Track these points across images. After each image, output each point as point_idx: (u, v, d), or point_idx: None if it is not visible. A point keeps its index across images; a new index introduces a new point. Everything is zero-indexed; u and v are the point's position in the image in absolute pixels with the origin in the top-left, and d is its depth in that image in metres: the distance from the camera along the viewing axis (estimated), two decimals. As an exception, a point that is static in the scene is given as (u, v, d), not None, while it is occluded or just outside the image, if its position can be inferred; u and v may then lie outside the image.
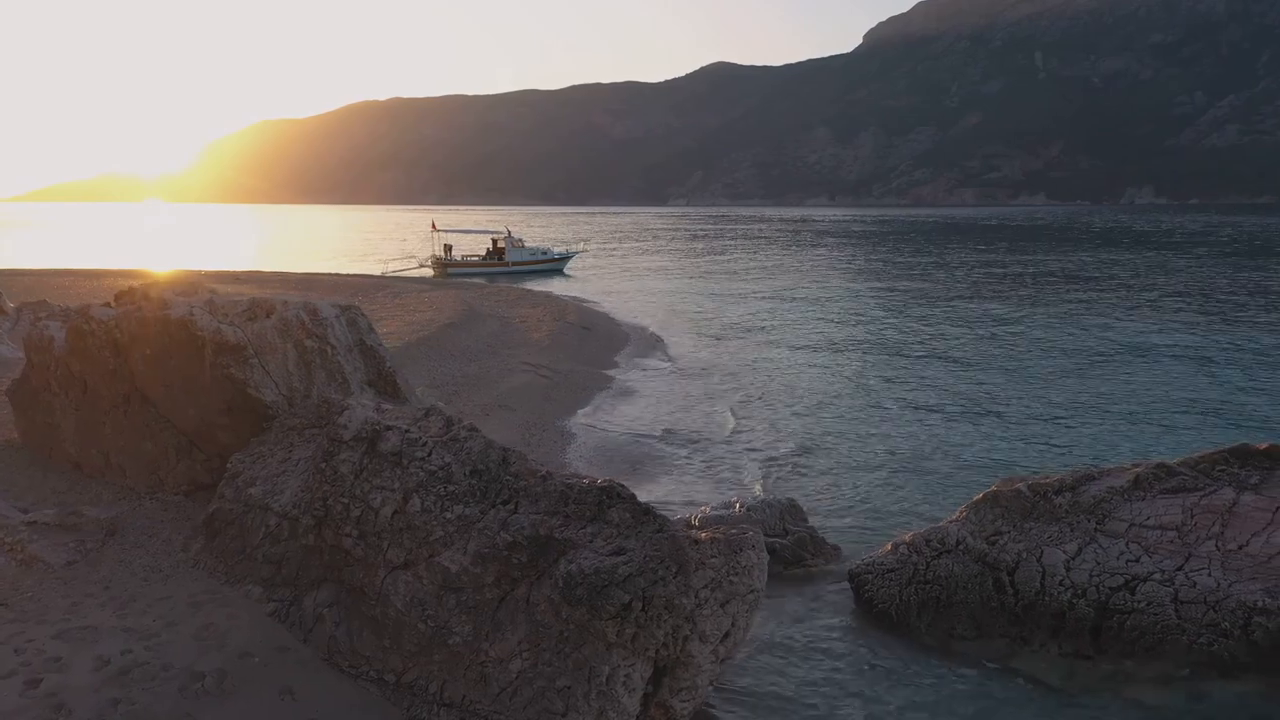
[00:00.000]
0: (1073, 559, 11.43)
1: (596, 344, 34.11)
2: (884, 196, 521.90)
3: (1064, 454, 19.55)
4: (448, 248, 72.43)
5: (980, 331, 37.89)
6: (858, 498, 16.79)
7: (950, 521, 12.59)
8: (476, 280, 62.12)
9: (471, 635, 8.91)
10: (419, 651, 9.14)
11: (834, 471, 18.39)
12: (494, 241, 73.99)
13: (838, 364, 30.69)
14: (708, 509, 14.50)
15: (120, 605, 10.27)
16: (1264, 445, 11.93)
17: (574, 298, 49.94)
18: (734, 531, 8.74)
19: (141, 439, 13.81)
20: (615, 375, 28.43)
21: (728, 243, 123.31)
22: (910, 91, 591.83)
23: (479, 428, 19.86)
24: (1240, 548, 10.96)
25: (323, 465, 10.06)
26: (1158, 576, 10.87)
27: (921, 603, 11.79)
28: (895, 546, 12.48)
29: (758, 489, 16.87)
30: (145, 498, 13.60)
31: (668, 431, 21.54)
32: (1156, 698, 10.14)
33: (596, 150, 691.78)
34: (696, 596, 8.34)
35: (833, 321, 41.55)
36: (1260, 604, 10.18)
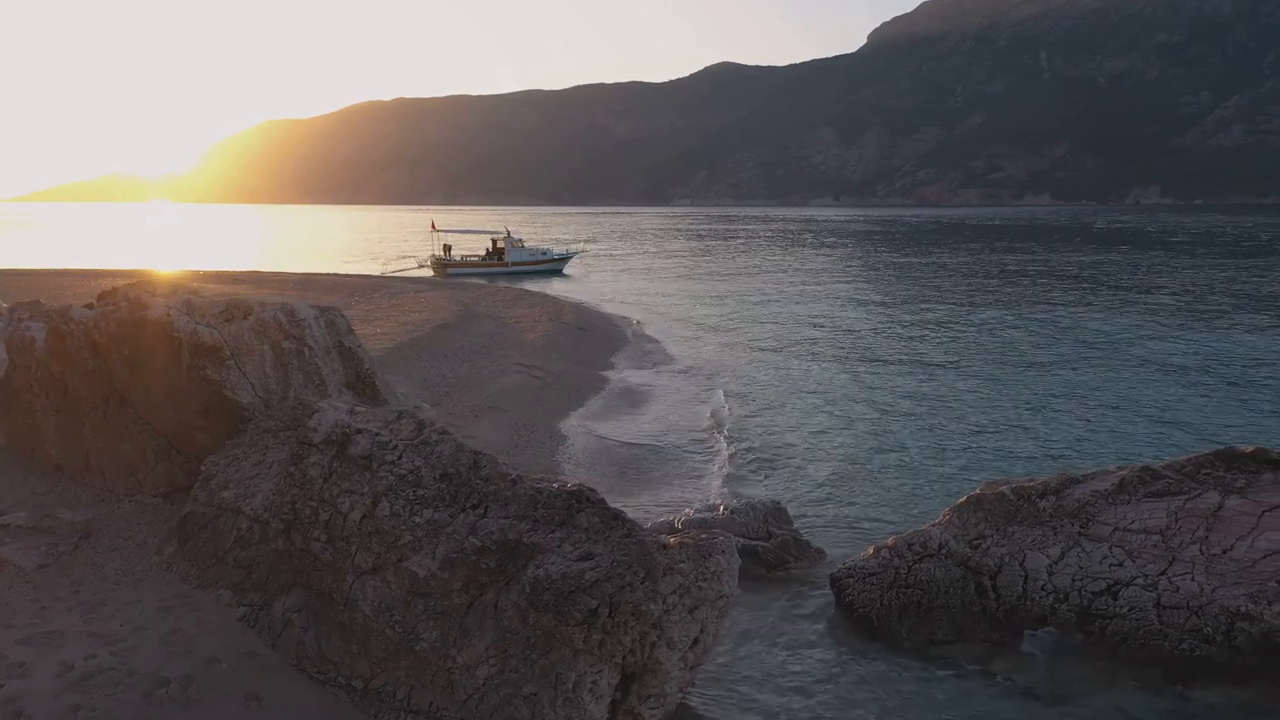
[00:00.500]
0: (1055, 563, 11.29)
1: (592, 345, 33.99)
2: (888, 197, 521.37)
3: (1053, 456, 19.40)
4: (447, 248, 72.39)
5: (971, 333, 37.72)
6: (845, 500, 16.65)
7: (933, 525, 12.45)
8: (477, 281, 62.02)
9: (439, 641, 8.79)
10: (387, 657, 9.03)
11: (822, 474, 18.24)
12: (494, 242, 73.95)
13: (831, 367, 30.54)
14: (691, 512, 14.39)
15: (89, 610, 10.17)
16: (1250, 448, 11.77)
17: (572, 298, 49.83)
18: (703, 536, 8.61)
19: (120, 441, 13.72)
20: (610, 376, 28.30)
21: (729, 243, 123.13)
22: (914, 91, 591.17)
23: (469, 430, 19.91)
24: (1224, 552, 10.80)
25: (292, 469, 9.95)
26: (1140, 581, 10.72)
27: (902, 607, 11.64)
28: (877, 550, 12.35)
29: (743, 491, 16.73)
30: (124, 500, 13.50)
31: (658, 433, 21.42)
32: (1137, 703, 10.00)
33: (600, 150, 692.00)
34: (664, 602, 8.21)
35: (830, 325, 41.38)
36: (1243, 609, 10.03)
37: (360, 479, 9.58)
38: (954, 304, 48.80)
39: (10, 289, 37.59)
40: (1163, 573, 10.73)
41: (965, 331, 38.32)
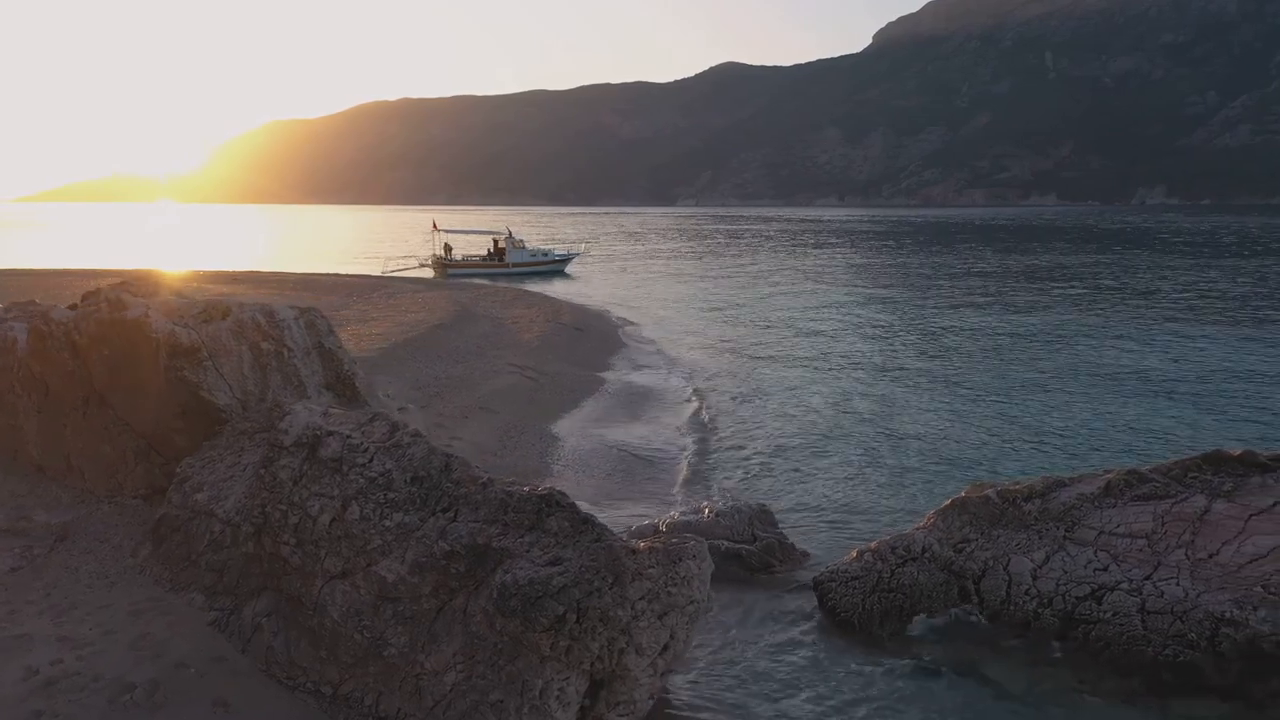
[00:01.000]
0: (1040, 567, 11.14)
1: (589, 345, 33.84)
2: (894, 197, 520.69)
3: (1040, 458, 19.24)
4: (448, 248, 72.32)
5: (964, 337, 37.49)
6: (833, 503, 16.50)
7: (917, 528, 12.31)
8: (478, 281, 61.91)
9: (408, 647, 8.68)
10: (355, 663, 8.91)
11: (811, 476, 18.10)
12: (495, 242, 73.85)
13: (825, 369, 30.38)
14: (676, 514, 14.27)
15: (59, 613, 10.07)
16: (1238, 451, 11.59)
17: (571, 299, 49.70)
18: (674, 541, 8.48)
19: (100, 442, 13.63)
20: (606, 377, 28.15)
21: (732, 244, 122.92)
22: (920, 91, 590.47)
23: (458, 431, 19.79)
24: (1210, 556, 10.64)
25: (263, 471, 9.85)
26: (1125, 586, 10.57)
27: (884, 611, 11.50)
28: (860, 554, 12.20)
29: (730, 494, 16.59)
30: (103, 502, 13.41)
31: (649, 435, 21.28)
32: (1120, 710, 9.85)
33: (604, 150, 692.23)
34: (633, 608, 8.08)
35: (826, 327, 41.22)
36: (1228, 615, 9.87)
37: (330, 482, 9.47)
38: (952, 306, 48.57)
39: (9, 289, 37.56)
40: (1148, 577, 10.58)
41: (959, 334, 38.11)
